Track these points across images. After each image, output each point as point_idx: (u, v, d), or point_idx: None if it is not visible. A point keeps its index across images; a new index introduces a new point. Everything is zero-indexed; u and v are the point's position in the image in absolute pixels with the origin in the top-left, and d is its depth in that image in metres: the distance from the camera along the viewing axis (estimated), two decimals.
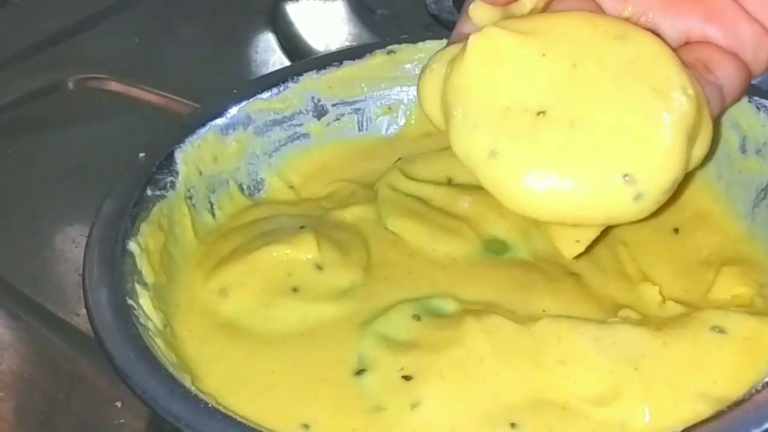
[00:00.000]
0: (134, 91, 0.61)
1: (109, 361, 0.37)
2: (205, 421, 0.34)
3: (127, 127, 0.59)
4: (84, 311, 0.39)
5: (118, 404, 0.43)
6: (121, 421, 0.43)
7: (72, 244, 0.52)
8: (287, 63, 0.63)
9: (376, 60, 0.50)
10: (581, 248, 0.40)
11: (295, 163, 0.49)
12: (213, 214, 0.46)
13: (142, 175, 0.44)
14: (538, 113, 0.36)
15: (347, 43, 0.64)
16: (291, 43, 0.65)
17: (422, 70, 0.40)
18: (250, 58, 0.64)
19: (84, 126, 0.60)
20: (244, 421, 0.35)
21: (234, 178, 0.47)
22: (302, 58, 0.62)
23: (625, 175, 0.36)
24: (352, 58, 0.50)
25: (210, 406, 0.35)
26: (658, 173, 0.36)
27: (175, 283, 0.42)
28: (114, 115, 0.61)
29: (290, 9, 0.67)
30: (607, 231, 0.44)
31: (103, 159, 0.56)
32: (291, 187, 0.49)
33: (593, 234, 0.39)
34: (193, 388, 0.36)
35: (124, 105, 0.61)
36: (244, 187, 0.48)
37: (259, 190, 0.48)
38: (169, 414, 0.34)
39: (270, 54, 0.64)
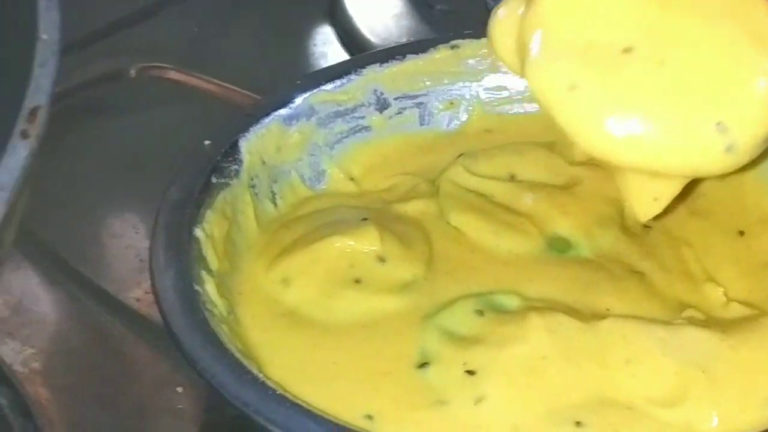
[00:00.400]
0: (194, 81, 0.61)
1: (176, 346, 0.37)
2: (273, 408, 0.34)
3: (185, 115, 0.59)
4: (144, 296, 0.40)
5: (179, 389, 0.43)
6: (181, 406, 0.43)
7: (132, 229, 0.52)
8: (345, 56, 0.63)
9: (440, 55, 0.50)
10: (659, 208, 0.38)
11: (356, 155, 0.49)
12: (275, 204, 0.46)
13: (207, 162, 0.44)
14: (624, 50, 0.34)
15: (406, 38, 0.64)
16: (349, 36, 0.65)
17: (493, 11, 0.38)
18: (308, 51, 0.65)
19: (143, 113, 0.60)
20: (312, 410, 0.35)
21: (296, 169, 0.47)
22: (361, 51, 0.62)
23: (718, 123, 0.33)
24: (416, 53, 0.50)
25: (278, 393, 0.35)
26: (754, 124, 0.34)
27: (238, 271, 0.43)
28: (173, 103, 0.61)
29: (349, 2, 0.67)
30: (670, 232, 0.44)
31: (161, 147, 0.56)
32: (352, 179, 0.49)
33: (674, 191, 0.37)
34: (261, 375, 0.36)
35: (184, 94, 0.61)
36: (306, 178, 0.48)
37: (320, 181, 0.48)
38: (237, 399, 0.34)
39: (328, 46, 0.64)
